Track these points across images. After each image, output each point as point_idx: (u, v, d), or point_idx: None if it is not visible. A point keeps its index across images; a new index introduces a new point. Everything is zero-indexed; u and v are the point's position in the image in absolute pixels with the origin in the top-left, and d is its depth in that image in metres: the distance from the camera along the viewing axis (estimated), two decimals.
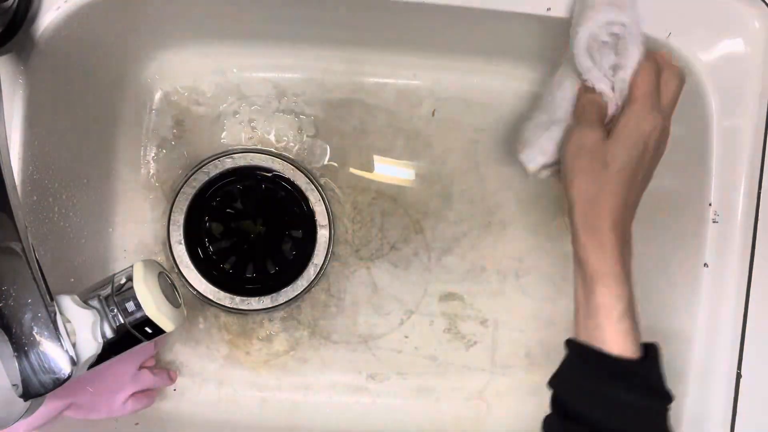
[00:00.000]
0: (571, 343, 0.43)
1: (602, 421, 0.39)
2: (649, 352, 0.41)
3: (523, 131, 0.50)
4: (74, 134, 0.57)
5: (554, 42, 0.59)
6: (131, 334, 0.44)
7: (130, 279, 0.44)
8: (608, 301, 0.40)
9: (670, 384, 0.54)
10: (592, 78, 0.43)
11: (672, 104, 0.43)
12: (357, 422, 0.67)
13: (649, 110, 0.42)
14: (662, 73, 0.43)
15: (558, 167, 0.47)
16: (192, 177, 0.65)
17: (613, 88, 0.43)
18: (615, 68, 0.43)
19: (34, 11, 0.48)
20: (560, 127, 0.47)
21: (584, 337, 0.42)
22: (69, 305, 0.41)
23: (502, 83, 0.66)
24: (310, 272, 0.66)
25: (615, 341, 0.40)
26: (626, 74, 0.42)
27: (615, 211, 0.41)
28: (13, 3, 0.46)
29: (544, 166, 0.49)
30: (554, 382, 0.43)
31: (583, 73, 0.44)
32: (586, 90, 0.45)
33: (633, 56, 0.42)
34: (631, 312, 0.41)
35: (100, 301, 0.44)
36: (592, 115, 0.43)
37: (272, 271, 0.68)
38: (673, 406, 0.53)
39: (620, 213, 0.41)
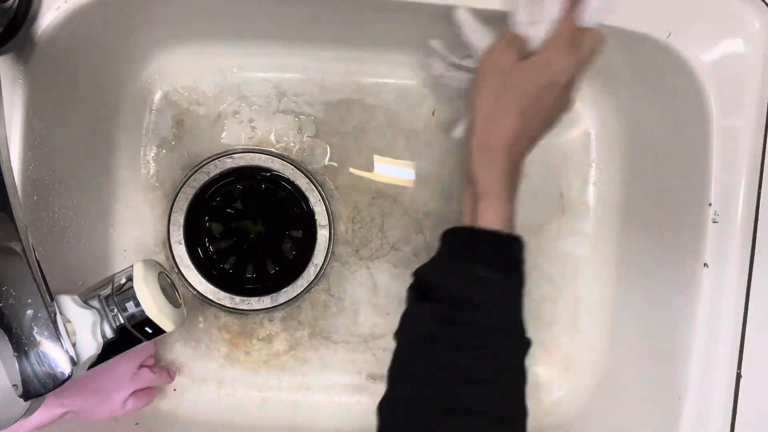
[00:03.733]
0: (445, 232, 0.45)
1: (459, 292, 0.41)
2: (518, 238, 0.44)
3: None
4: (74, 134, 0.57)
5: None
6: (131, 334, 0.44)
7: (130, 279, 0.44)
8: (491, 215, 0.43)
9: (671, 384, 0.54)
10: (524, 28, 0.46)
11: (586, 59, 0.45)
12: (357, 422, 0.67)
13: (564, 49, 0.44)
14: (584, 33, 0.45)
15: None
16: (192, 177, 0.65)
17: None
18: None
19: (34, 11, 0.48)
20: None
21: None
22: (69, 305, 0.41)
23: None
24: (310, 272, 0.66)
25: (489, 222, 0.43)
26: (548, 23, 0.45)
27: (511, 133, 0.43)
28: (13, 3, 0.46)
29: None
30: (419, 270, 0.44)
31: (520, 24, 0.46)
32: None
33: (554, 6, 0.45)
34: (509, 224, 0.44)
35: (100, 301, 0.44)
36: (513, 43, 0.45)
37: (272, 271, 0.68)
38: (673, 405, 0.53)
39: (516, 136, 0.43)
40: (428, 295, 0.42)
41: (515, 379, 0.41)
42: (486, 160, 0.43)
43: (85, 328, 0.41)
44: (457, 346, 0.39)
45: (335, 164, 0.66)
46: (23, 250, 0.38)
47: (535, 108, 0.44)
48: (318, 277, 0.66)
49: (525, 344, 0.42)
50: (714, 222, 0.51)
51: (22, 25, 0.47)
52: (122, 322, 0.43)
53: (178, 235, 0.65)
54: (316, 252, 0.66)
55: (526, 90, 0.43)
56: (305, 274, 0.66)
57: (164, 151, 0.66)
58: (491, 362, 0.39)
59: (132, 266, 0.45)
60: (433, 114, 0.67)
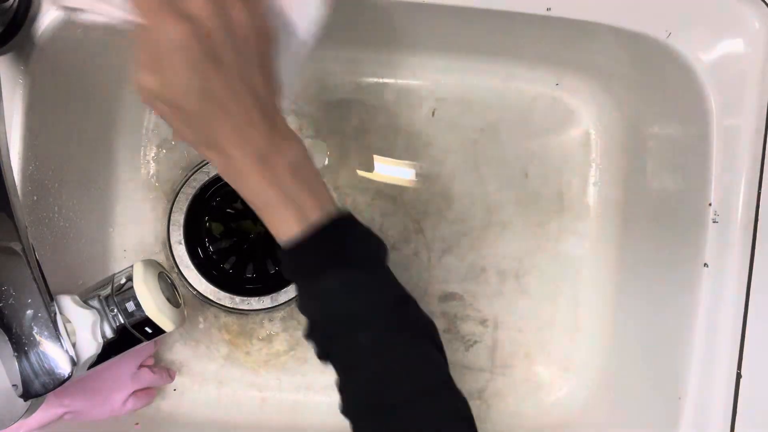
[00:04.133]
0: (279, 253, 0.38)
1: (326, 317, 0.37)
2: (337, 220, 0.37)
3: None
4: (74, 134, 0.57)
5: (554, 42, 0.59)
6: (131, 334, 0.44)
7: (130, 279, 0.44)
8: (280, 229, 0.36)
9: (671, 384, 0.54)
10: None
11: None
12: None
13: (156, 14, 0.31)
14: None
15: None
16: (192, 177, 0.65)
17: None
18: None
19: (34, 11, 0.48)
20: None
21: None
22: (69, 305, 0.41)
23: (502, 83, 0.66)
24: None
25: (286, 233, 0.36)
26: None
27: (235, 128, 0.34)
28: (13, 3, 0.46)
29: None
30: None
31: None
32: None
33: None
34: (304, 205, 0.36)
35: (100, 301, 0.44)
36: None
37: (272, 271, 0.68)
38: (672, 406, 0.53)
39: (250, 121, 0.34)
40: (314, 329, 0.39)
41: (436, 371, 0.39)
42: (233, 175, 0.35)
43: (85, 328, 0.41)
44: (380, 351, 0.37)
45: (335, 164, 0.66)
46: (23, 250, 0.38)
47: (247, 71, 0.34)
48: None
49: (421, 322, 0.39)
50: (714, 222, 0.51)
51: (22, 25, 0.47)
52: (122, 322, 0.43)
53: (178, 235, 0.65)
54: None
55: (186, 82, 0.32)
56: None
57: (164, 151, 0.65)
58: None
59: (132, 266, 0.45)
60: (433, 114, 0.67)
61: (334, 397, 0.67)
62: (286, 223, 0.36)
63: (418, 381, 0.38)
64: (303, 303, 0.39)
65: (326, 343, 0.39)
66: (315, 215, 0.36)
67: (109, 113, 0.62)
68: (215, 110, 0.33)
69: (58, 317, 0.39)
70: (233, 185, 0.36)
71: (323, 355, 0.40)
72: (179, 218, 0.65)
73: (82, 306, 0.42)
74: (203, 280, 0.65)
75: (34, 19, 0.48)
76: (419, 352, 0.38)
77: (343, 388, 0.39)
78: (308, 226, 0.36)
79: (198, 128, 0.34)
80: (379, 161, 0.66)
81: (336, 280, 0.37)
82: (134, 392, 0.58)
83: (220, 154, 0.35)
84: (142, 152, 0.65)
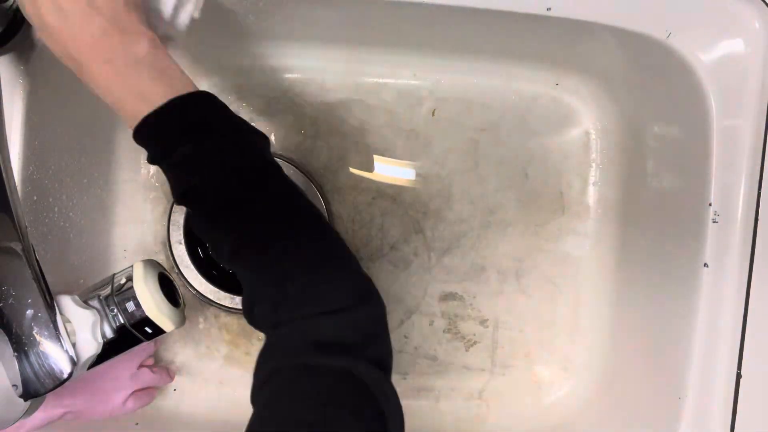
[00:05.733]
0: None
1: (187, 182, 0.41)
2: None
3: None
4: (74, 134, 0.57)
5: (554, 42, 0.59)
6: (131, 334, 0.44)
7: (130, 279, 0.44)
8: (130, 113, 0.41)
9: (671, 384, 0.54)
10: None
11: None
12: None
13: None
14: None
15: None
16: None
17: None
18: None
19: None
20: None
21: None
22: (69, 305, 0.41)
23: (502, 83, 0.66)
24: None
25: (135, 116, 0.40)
26: None
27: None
28: (13, 3, 0.46)
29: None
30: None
31: None
32: None
33: None
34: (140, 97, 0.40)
35: (100, 301, 0.44)
36: None
37: None
38: (673, 405, 0.53)
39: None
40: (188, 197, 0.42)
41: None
42: (90, 81, 0.41)
43: (85, 328, 0.41)
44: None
45: (335, 164, 0.66)
46: (23, 250, 0.38)
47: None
48: None
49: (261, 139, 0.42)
50: (714, 222, 0.51)
51: (22, 25, 0.47)
52: (122, 322, 0.43)
53: (178, 235, 0.65)
54: None
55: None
56: None
57: None
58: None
59: (132, 266, 0.45)
60: (433, 114, 0.67)
61: None
62: (132, 112, 0.40)
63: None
64: (173, 189, 0.42)
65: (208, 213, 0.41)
66: (160, 99, 0.39)
67: (108, 113, 0.62)
68: (68, 27, 0.39)
69: (58, 317, 0.39)
70: (94, 92, 0.41)
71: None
72: (179, 218, 0.65)
73: (82, 306, 0.42)
74: (203, 280, 0.65)
75: None
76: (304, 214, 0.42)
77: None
78: (151, 109, 0.39)
79: (59, 42, 0.40)
80: (379, 161, 0.66)
81: (188, 148, 0.40)
82: (134, 392, 0.58)
83: (76, 64, 0.40)
84: (142, 152, 0.65)
